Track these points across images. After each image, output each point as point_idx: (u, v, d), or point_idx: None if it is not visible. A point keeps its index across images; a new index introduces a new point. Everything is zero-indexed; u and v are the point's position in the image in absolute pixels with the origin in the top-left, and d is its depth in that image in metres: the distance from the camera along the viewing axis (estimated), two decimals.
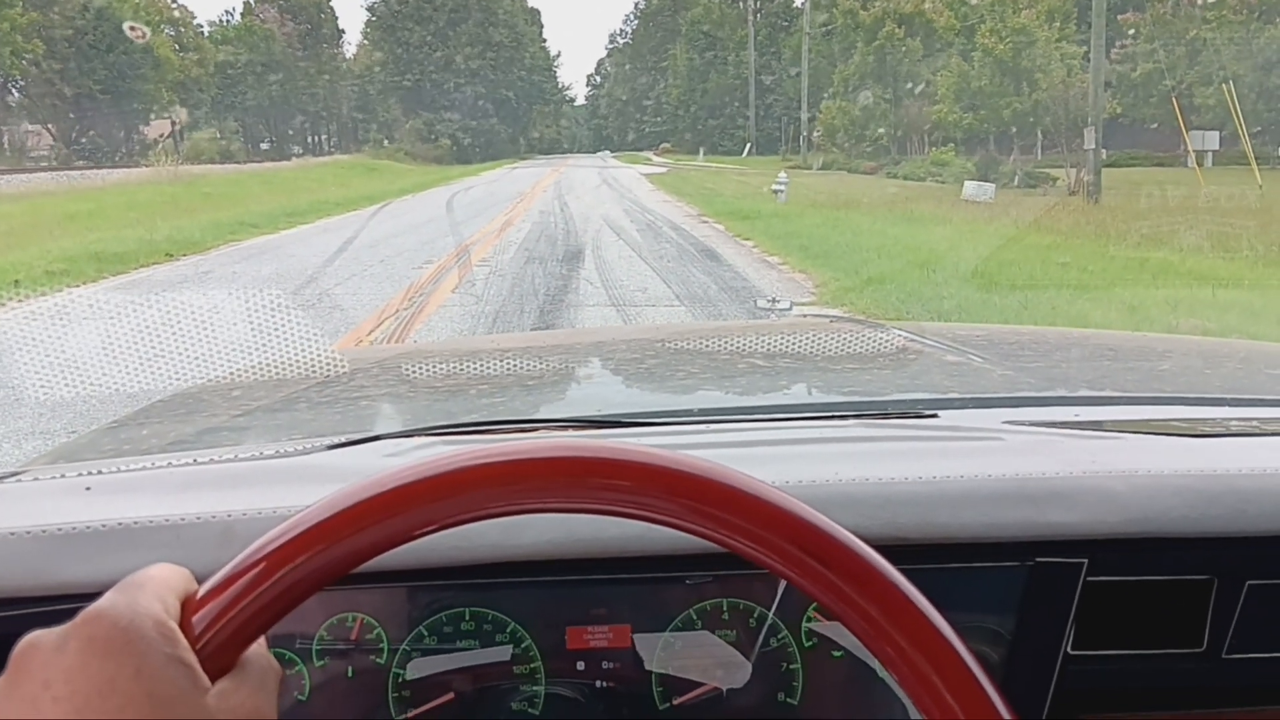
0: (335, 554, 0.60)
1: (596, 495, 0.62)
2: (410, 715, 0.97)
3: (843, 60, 48.70)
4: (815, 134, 49.18)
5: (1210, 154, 31.24)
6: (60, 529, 0.94)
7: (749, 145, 61.27)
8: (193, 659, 0.55)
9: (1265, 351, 2.26)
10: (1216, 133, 32.37)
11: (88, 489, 1.03)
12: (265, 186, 32.13)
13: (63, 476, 1.09)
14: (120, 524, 0.94)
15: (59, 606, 0.91)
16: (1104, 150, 24.49)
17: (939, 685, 0.59)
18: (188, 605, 0.58)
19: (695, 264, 14.04)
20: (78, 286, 11.34)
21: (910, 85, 45.25)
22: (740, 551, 0.61)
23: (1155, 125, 37.64)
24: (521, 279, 12.50)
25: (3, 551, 0.93)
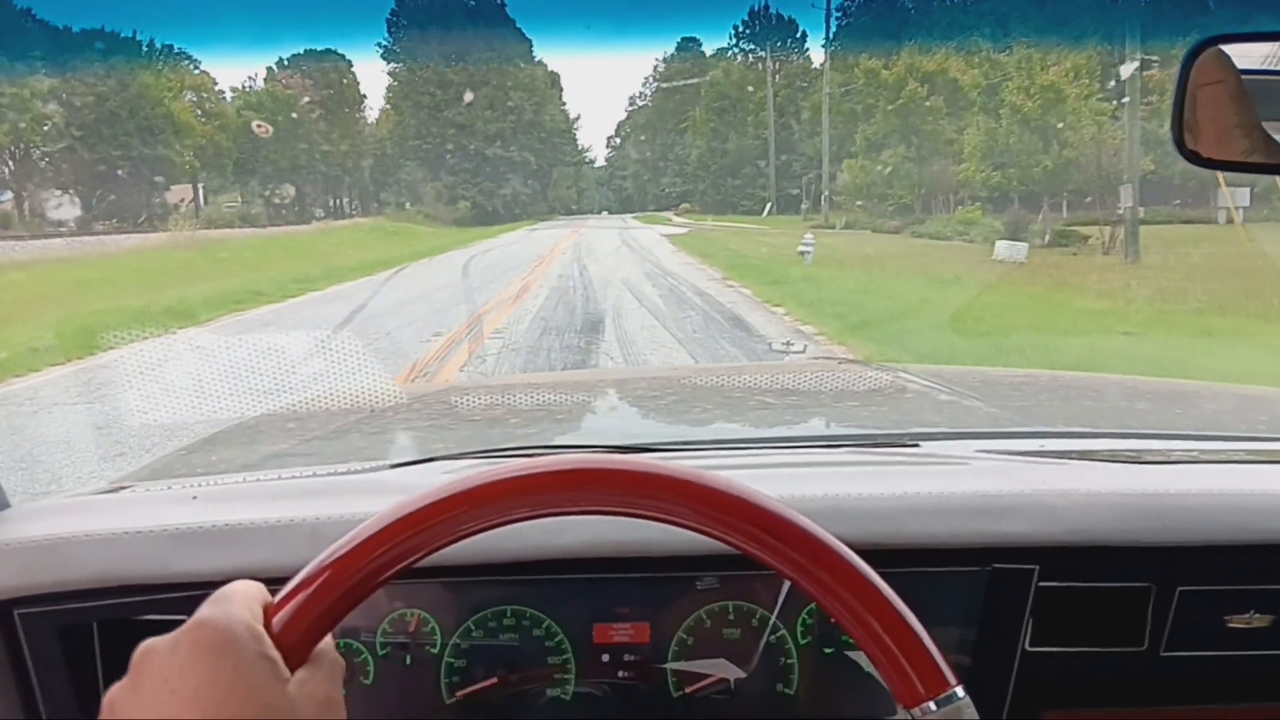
0: (388, 557, 0.73)
1: (625, 501, 0.76)
2: (459, 697, 1.13)
3: (864, 119, 46.18)
4: (836, 194, 46.59)
5: (1241, 210, 30.52)
6: (176, 529, 1.12)
7: (769, 205, 58.28)
8: (276, 655, 0.67)
9: (1248, 395, 2.38)
10: (1248, 189, 31.55)
11: (194, 498, 1.21)
12: (284, 251, 30.53)
13: (169, 489, 1.26)
14: (226, 526, 1.12)
15: (176, 595, 1.09)
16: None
17: (882, 634, 0.74)
18: (267, 611, 0.71)
19: (724, 335, 12.63)
20: (39, 373, 9.89)
21: (936, 143, 43.00)
22: (741, 548, 0.76)
23: (1191, 182, 35.36)
24: (537, 353, 11.36)
25: (130, 547, 1.11)
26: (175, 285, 18.80)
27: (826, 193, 47.34)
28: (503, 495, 0.75)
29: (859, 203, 43.92)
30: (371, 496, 1.17)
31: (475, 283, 21.42)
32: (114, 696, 0.67)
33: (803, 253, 23.12)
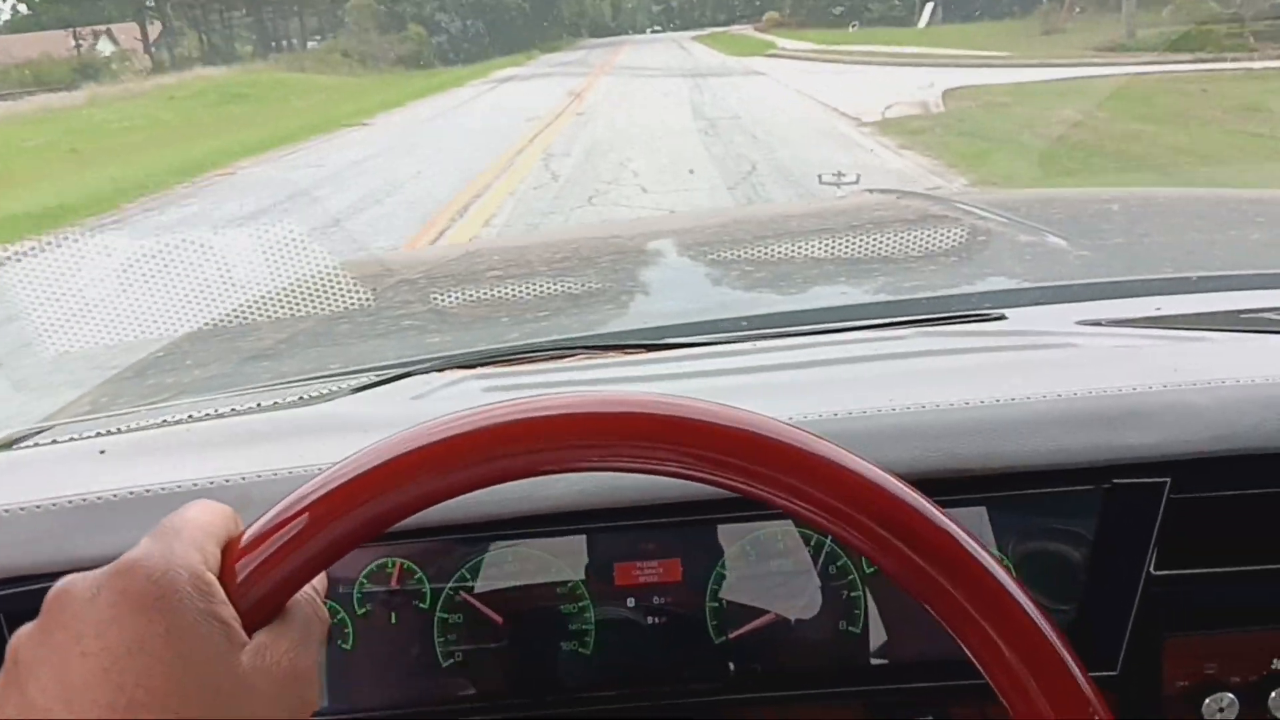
0: (385, 506, 0.57)
1: (671, 458, 0.57)
2: (458, 657, 0.95)
3: None
4: None
5: None
6: (71, 501, 0.92)
7: (930, 6, 30.06)
8: (229, 613, 0.53)
9: None
10: None
11: (102, 452, 1.02)
12: None
13: (79, 438, 1.07)
14: (132, 493, 0.92)
15: None
16: None
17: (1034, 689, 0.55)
18: (229, 550, 0.56)
19: None
20: None
21: None
22: (815, 523, 0.57)
23: None
24: None
25: (16, 529, 0.92)
26: None
27: None
28: (528, 438, 0.57)
29: None
30: (323, 438, 0.98)
31: None
32: (18, 642, 0.53)
33: None
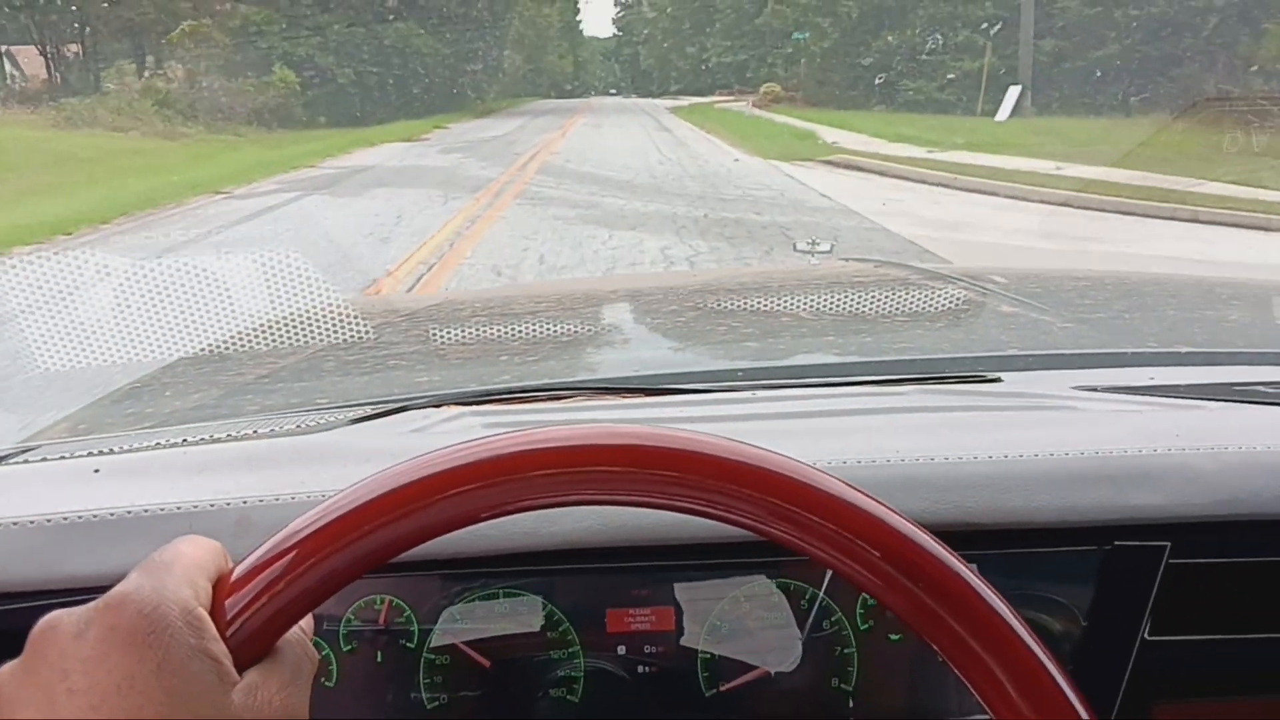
0: (382, 539, 0.56)
1: (663, 490, 0.57)
2: (443, 700, 0.93)
3: None
4: None
5: None
6: (66, 518, 0.90)
7: (1016, 91, 22.38)
8: (220, 650, 0.52)
9: None
10: None
11: (96, 471, 0.99)
12: None
13: (71, 456, 1.04)
14: (129, 512, 0.90)
15: (66, 600, 0.87)
16: None
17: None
18: (220, 586, 0.55)
19: None
20: None
21: None
22: (823, 560, 0.57)
23: None
24: None
25: (10, 542, 0.89)
26: None
27: None
28: (543, 465, 0.57)
29: None
30: (321, 466, 0.95)
31: None
32: (1, 679, 0.52)
33: None
